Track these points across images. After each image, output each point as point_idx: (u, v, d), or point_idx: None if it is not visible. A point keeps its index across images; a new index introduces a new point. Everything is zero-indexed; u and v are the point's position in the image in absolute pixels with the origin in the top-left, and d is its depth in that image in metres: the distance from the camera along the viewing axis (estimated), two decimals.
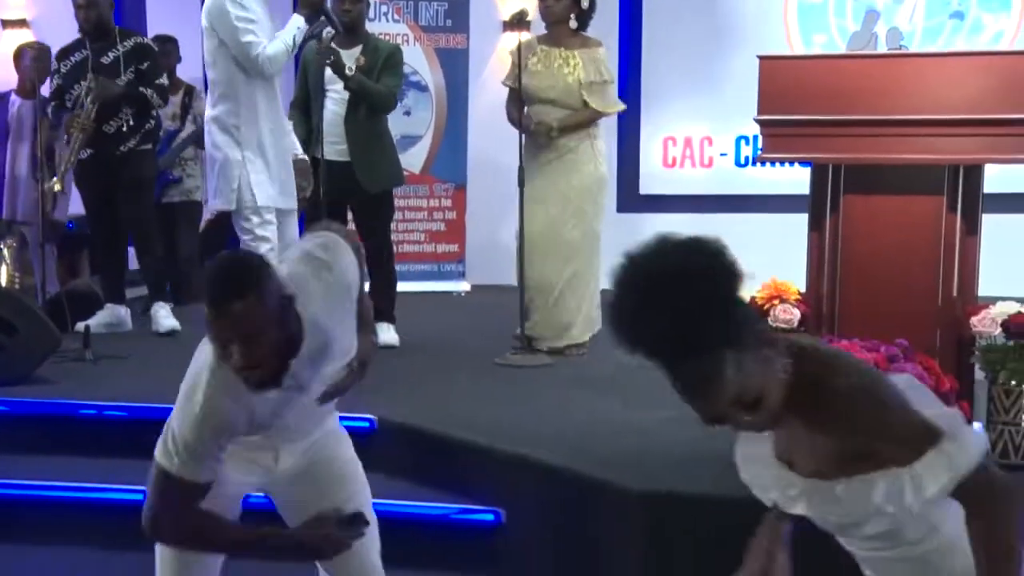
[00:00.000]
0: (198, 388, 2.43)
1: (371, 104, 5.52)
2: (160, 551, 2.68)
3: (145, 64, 5.82)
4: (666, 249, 1.77)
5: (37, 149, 6.58)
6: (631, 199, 8.19)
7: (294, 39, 4.71)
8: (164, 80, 5.99)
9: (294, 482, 2.77)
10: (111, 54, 5.77)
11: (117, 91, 5.68)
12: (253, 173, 4.66)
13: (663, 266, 1.74)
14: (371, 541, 2.82)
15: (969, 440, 1.82)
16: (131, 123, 5.77)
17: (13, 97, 6.86)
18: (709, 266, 1.75)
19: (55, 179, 5.87)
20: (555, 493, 3.62)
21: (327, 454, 2.78)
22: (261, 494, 2.87)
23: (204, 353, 2.45)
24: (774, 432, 1.93)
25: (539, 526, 3.67)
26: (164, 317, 5.84)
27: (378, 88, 5.50)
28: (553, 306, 5.45)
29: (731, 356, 1.73)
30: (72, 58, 5.83)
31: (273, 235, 4.78)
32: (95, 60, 5.76)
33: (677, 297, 1.70)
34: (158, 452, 2.46)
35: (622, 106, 5.79)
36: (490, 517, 3.75)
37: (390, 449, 4.18)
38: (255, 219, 4.69)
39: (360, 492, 2.86)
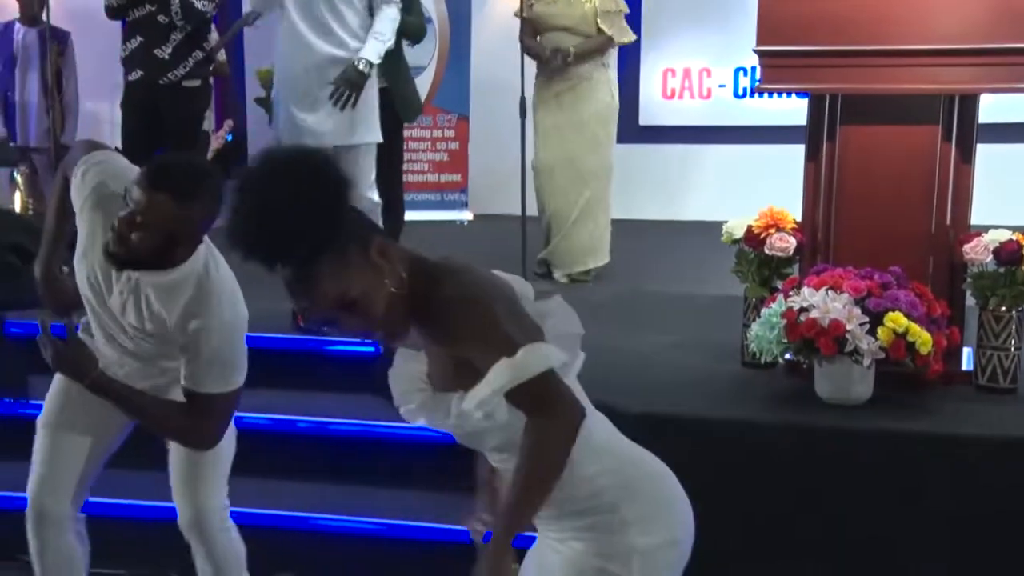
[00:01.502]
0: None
1: (408, 35, 5.44)
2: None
3: None
4: (264, 161, 1.81)
5: (47, 76, 6.54)
6: (630, 130, 8.11)
7: None
8: (201, 5, 5.81)
9: None
10: None
11: None
12: (283, 113, 4.56)
13: (258, 177, 1.78)
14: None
15: (539, 353, 1.82)
16: (179, 44, 5.64)
17: (17, 26, 6.81)
18: (301, 174, 1.77)
19: None
20: None
21: None
22: None
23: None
24: (425, 351, 1.98)
25: None
26: None
27: (413, 19, 5.43)
28: (569, 234, 5.48)
29: (328, 260, 1.77)
30: None
31: None
32: None
33: (269, 204, 1.74)
34: None
35: (633, 36, 5.75)
36: None
37: None
38: None
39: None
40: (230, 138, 7.40)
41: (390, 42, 4.65)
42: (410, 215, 6.18)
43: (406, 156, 7.41)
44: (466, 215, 7.95)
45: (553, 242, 5.52)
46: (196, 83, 5.78)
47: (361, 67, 4.53)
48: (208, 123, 6.98)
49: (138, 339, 2.69)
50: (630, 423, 3.37)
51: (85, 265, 2.68)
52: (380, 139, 4.65)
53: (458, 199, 8.02)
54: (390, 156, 5.69)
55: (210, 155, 7.14)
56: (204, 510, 2.91)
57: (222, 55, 6.88)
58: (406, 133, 6.98)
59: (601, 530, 1.96)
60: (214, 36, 6.82)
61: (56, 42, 6.52)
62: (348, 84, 4.49)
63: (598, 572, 1.95)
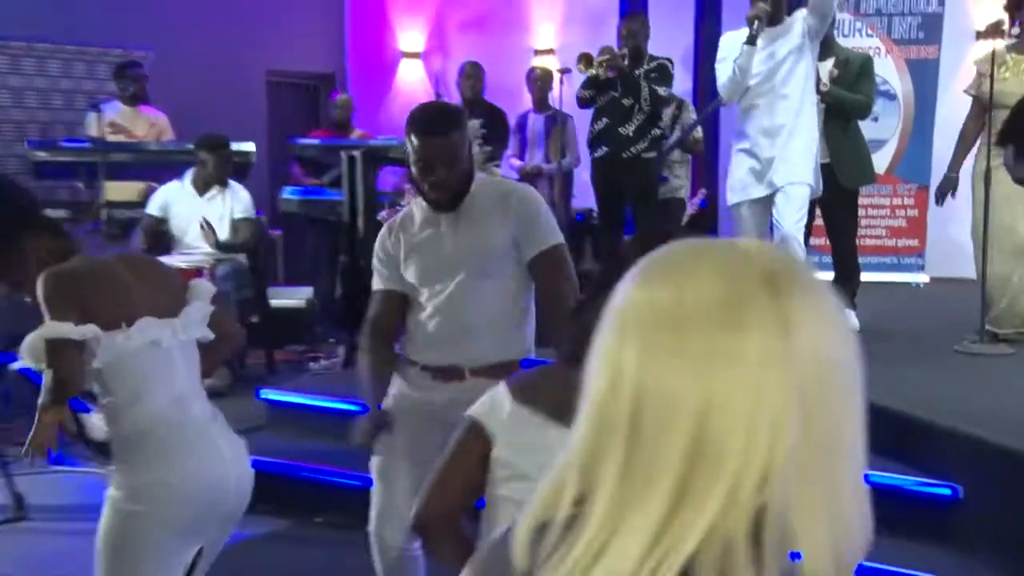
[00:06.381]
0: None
1: (849, 112, 5.39)
2: None
3: (654, 74, 6.09)
4: None
5: (549, 152, 7.11)
6: None
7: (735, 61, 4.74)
8: (663, 92, 6.18)
9: None
10: (638, 72, 6.07)
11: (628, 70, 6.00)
12: (737, 162, 4.78)
13: None
14: None
15: (49, 328, 2.34)
16: (641, 124, 6.03)
17: (530, 113, 7.45)
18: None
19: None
20: (1017, 476, 3.35)
21: None
22: None
23: None
24: None
25: (999, 507, 3.42)
26: None
27: (856, 98, 5.38)
28: (1013, 298, 5.06)
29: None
30: (610, 73, 6.19)
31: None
32: (628, 73, 6.07)
33: None
34: None
35: None
36: (947, 492, 3.55)
37: None
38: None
39: None
40: (704, 204, 7.58)
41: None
42: (866, 276, 6.00)
43: (865, 222, 7.21)
44: (922, 277, 7.54)
45: (995, 309, 5.09)
46: (652, 155, 6.06)
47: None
48: (684, 192, 7.19)
49: (480, 280, 2.78)
50: None
51: (416, 269, 2.86)
52: (810, 181, 4.70)
53: (914, 262, 7.63)
54: (844, 221, 5.56)
55: (685, 219, 7.34)
56: None
57: (698, 132, 7.08)
58: (866, 200, 6.82)
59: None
60: (691, 115, 7.07)
61: (559, 123, 7.06)
62: None
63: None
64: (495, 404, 1.81)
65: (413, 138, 2.70)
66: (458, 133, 2.73)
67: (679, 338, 0.87)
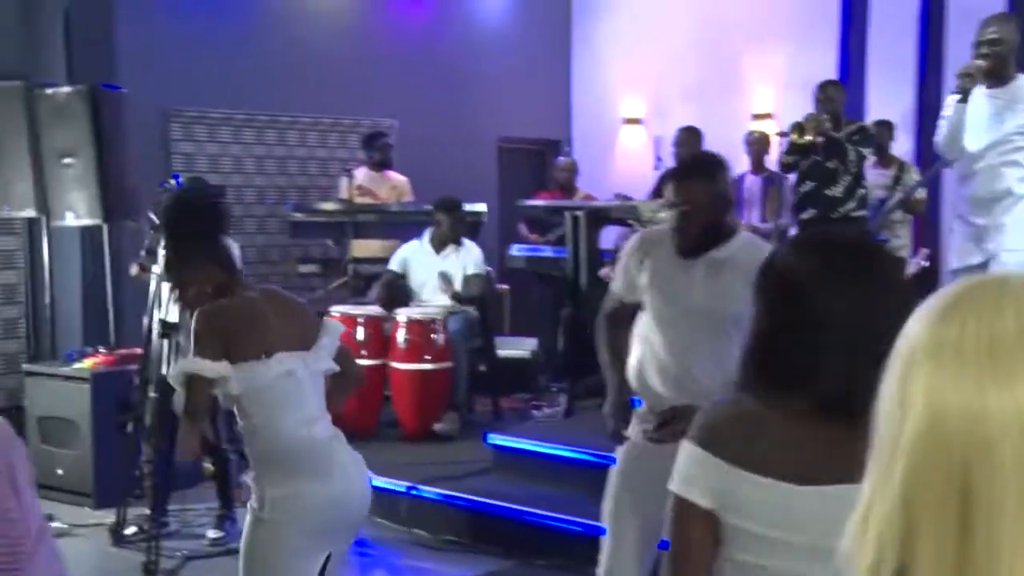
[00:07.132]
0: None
1: None
2: None
3: (856, 137, 5.99)
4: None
5: (765, 210, 7.06)
6: None
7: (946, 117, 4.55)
8: (867, 152, 6.04)
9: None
10: (840, 135, 5.95)
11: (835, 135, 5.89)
12: (960, 222, 4.60)
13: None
14: None
15: (193, 362, 2.68)
16: (849, 184, 5.91)
17: (747, 175, 7.41)
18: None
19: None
20: None
21: None
22: None
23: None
24: None
25: None
26: None
27: None
28: None
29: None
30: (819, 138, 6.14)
31: None
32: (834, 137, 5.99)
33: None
34: None
35: None
36: None
37: None
38: None
39: None
40: (927, 263, 7.29)
41: None
42: None
43: None
44: None
45: None
46: (862, 213, 5.91)
47: None
48: (906, 251, 6.95)
49: (719, 338, 2.80)
50: None
51: (658, 305, 2.92)
52: None
53: None
54: None
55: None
56: None
57: (921, 193, 6.84)
58: None
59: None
60: (914, 176, 6.84)
61: (776, 184, 6.99)
62: None
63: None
64: (692, 468, 1.64)
65: (670, 181, 2.87)
66: (704, 181, 2.80)
67: (1008, 372, 0.78)
